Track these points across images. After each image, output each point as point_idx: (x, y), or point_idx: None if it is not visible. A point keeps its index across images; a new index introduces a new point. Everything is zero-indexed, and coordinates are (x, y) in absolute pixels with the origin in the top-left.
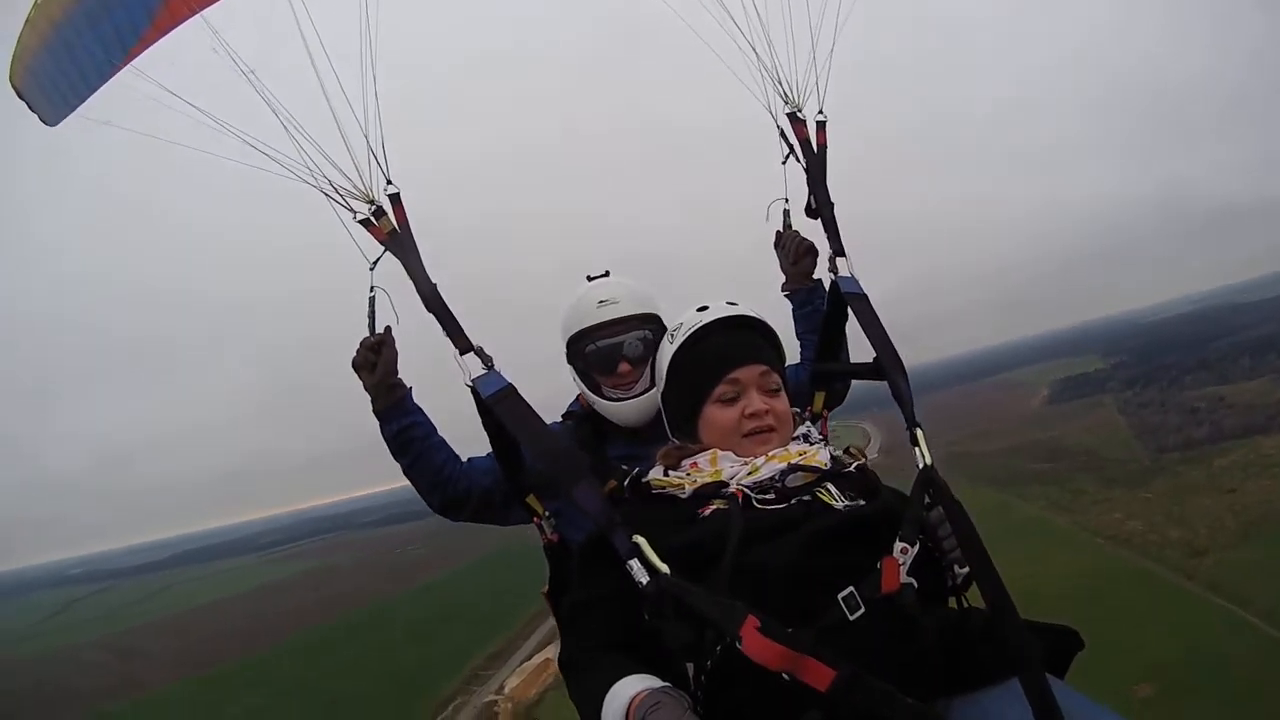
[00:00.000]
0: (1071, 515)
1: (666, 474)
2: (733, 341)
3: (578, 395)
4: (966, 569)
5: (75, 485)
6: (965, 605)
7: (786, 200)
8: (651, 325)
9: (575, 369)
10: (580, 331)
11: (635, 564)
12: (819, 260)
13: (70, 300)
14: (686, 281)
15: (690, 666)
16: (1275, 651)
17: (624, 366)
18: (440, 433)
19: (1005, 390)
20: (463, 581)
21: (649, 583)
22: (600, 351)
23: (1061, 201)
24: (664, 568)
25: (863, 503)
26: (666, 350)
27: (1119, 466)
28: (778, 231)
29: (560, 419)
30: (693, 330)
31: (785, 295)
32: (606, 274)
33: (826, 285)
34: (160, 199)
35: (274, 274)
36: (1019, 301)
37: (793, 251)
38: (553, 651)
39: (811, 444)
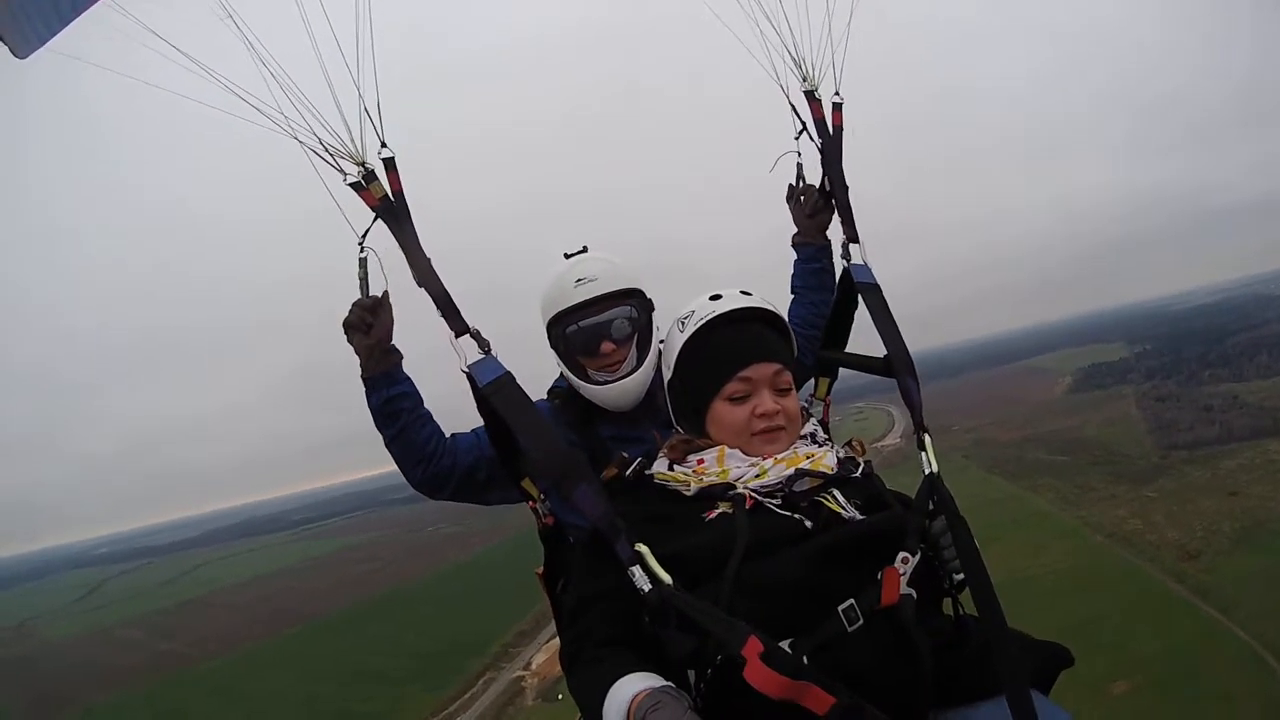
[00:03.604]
0: (1077, 510)
1: (672, 468)
2: (746, 336)
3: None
4: (960, 575)
5: (109, 473)
6: (959, 610)
7: (800, 154)
8: (634, 300)
9: (558, 352)
10: (559, 313)
11: (637, 571)
12: (830, 241)
13: (104, 299)
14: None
15: (691, 674)
16: (1250, 660)
17: (607, 346)
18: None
19: (1030, 376)
20: (491, 560)
21: (651, 591)
22: (582, 332)
23: (1087, 185)
24: (666, 578)
25: (868, 515)
26: (677, 338)
27: (1129, 463)
28: (790, 185)
29: (546, 397)
30: (705, 320)
31: (794, 246)
32: (584, 249)
33: (838, 268)
34: (185, 195)
35: (299, 256)
36: (1050, 284)
37: (810, 204)
38: None
39: (818, 444)
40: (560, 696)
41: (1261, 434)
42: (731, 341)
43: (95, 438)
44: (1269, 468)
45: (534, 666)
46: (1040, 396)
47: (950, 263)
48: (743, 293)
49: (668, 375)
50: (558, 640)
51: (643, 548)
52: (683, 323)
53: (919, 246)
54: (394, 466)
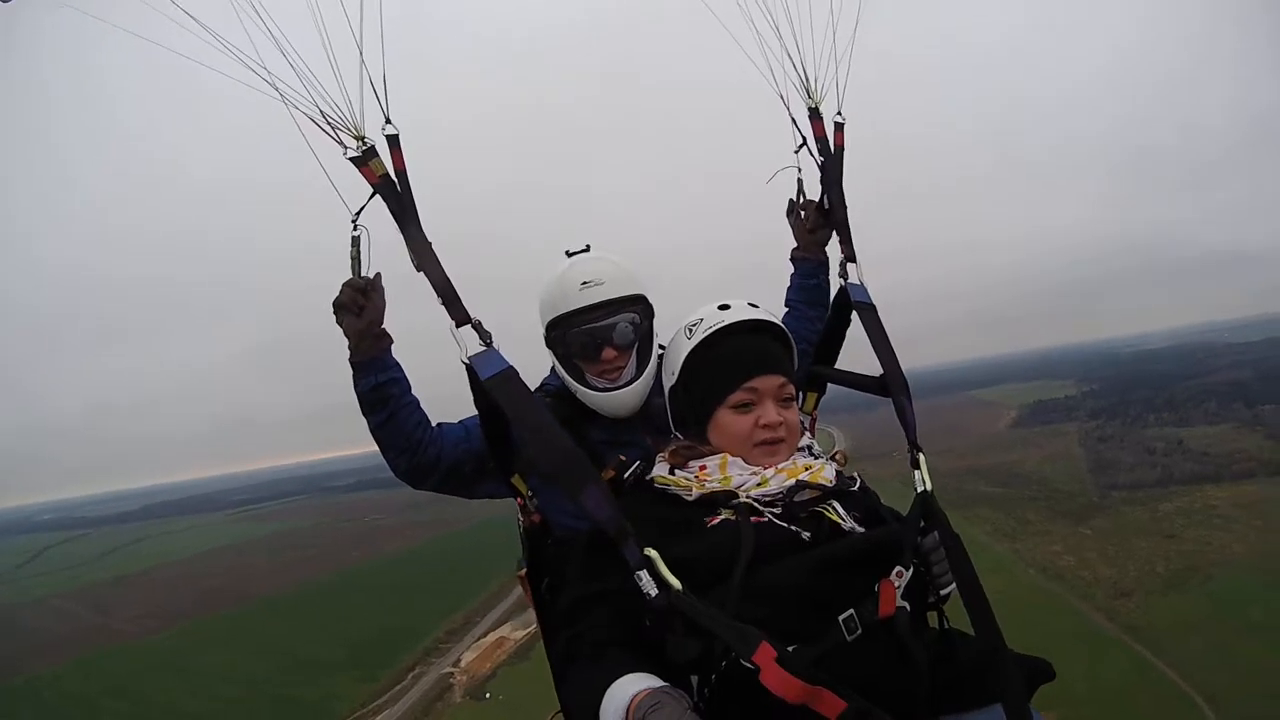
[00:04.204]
0: (1013, 543)
1: (673, 472)
2: (753, 347)
3: (553, 366)
4: (947, 589)
5: (68, 430)
6: (945, 623)
7: (800, 169)
8: (638, 307)
9: (556, 354)
10: (561, 316)
11: (644, 575)
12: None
13: (91, 252)
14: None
15: (694, 678)
16: (1178, 701)
17: (609, 353)
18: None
19: (977, 408)
20: (427, 554)
21: (658, 595)
22: (584, 337)
23: (1048, 229)
24: (676, 583)
25: (865, 528)
26: (683, 345)
27: (1067, 499)
28: (791, 200)
29: (536, 393)
30: (713, 330)
31: (792, 260)
32: (587, 248)
33: (834, 283)
34: (179, 152)
35: (279, 227)
36: (1005, 318)
37: (811, 219)
38: (509, 629)
39: (815, 457)
40: (487, 695)
41: (1203, 480)
42: (739, 352)
43: (63, 397)
44: (1207, 513)
45: (463, 664)
46: (985, 429)
47: (906, 290)
48: (750, 304)
49: (670, 382)
50: (486, 640)
51: (652, 552)
52: (690, 330)
53: (882, 270)
54: (337, 452)
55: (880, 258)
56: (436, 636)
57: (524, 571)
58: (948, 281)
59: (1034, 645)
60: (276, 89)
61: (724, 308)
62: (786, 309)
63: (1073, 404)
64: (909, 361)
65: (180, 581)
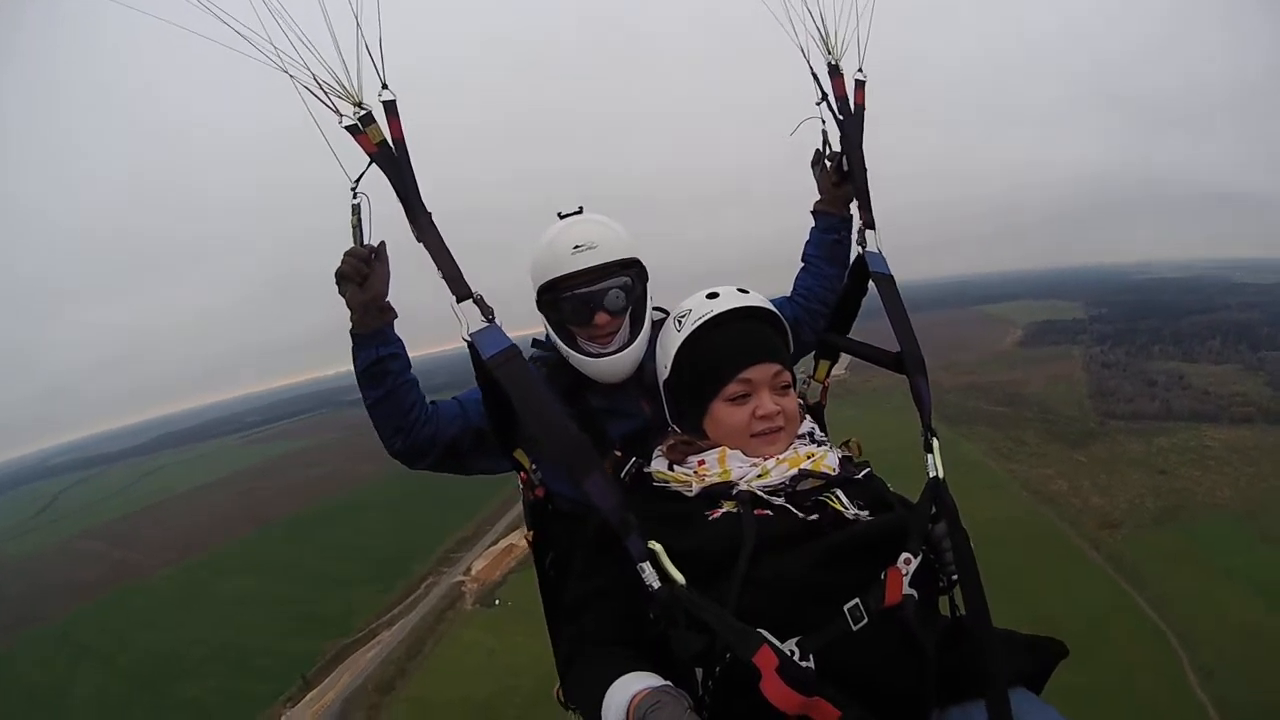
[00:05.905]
0: (1007, 463)
1: (671, 468)
2: (745, 336)
3: (546, 334)
4: (956, 576)
5: (75, 379)
6: (955, 611)
7: (824, 121)
8: (631, 271)
9: (548, 319)
10: (553, 280)
11: (647, 567)
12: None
13: (88, 207)
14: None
15: (699, 672)
16: (1153, 635)
17: (602, 317)
18: None
19: (985, 323)
20: None
21: (661, 589)
22: (576, 301)
23: (1078, 151)
24: (679, 577)
25: (870, 515)
26: (674, 337)
27: (1065, 424)
28: (817, 150)
29: (533, 363)
30: (703, 320)
31: (813, 214)
32: (579, 211)
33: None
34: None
35: (279, 172)
36: (1021, 235)
37: (836, 172)
38: (517, 537)
39: (817, 443)
40: (496, 602)
41: (1201, 418)
42: (731, 342)
43: (67, 348)
44: (1202, 453)
45: (473, 572)
46: (990, 346)
47: (922, 204)
48: (740, 290)
49: (664, 375)
50: (495, 548)
51: (656, 545)
52: (679, 321)
53: (897, 186)
54: (345, 366)
55: (902, 176)
56: (448, 546)
57: (531, 535)
58: (957, 203)
59: (1018, 566)
60: (271, 55)
61: (712, 296)
62: (803, 264)
63: (1079, 327)
64: (924, 272)
65: (198, 509)
